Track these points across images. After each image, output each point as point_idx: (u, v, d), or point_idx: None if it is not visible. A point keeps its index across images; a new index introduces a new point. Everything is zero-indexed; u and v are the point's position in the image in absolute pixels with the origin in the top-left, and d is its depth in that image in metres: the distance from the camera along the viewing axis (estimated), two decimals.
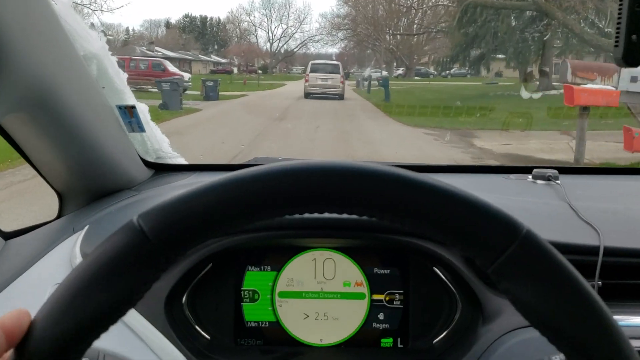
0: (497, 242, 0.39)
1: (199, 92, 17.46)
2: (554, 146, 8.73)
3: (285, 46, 77.56)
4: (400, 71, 49.71)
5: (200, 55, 62.93)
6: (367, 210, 0.40)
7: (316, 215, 0.41)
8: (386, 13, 44.68)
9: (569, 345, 0.39)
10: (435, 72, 46.97)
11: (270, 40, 75.14)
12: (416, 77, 45.28)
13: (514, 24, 22.33)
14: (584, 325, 0.38)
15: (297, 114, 14.31)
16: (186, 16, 79.77)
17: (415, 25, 36.81)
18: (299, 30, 77.55)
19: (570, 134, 8.68)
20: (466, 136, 10.15)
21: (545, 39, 20.60)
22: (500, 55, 26.69)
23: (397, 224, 0.41)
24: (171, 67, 19.65)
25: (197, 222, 0.39)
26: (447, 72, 43.52)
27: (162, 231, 0.39)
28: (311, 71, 19.75)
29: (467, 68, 31.82)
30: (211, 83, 17.17)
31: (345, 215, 0.41)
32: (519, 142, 9.35)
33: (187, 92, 17.05)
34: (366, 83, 22.67)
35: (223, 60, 65.45)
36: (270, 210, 0.40)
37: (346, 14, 53.42)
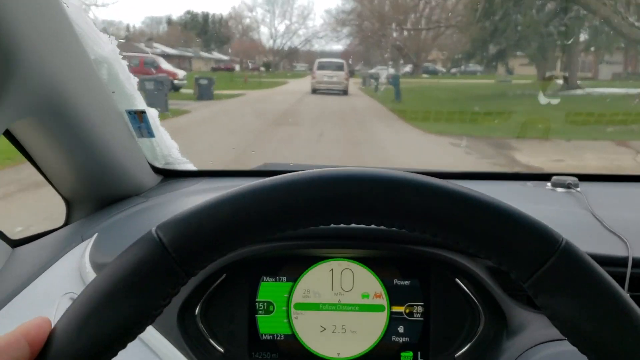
0: (535, 255, 0.37)
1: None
2: (620, 163, 6.94)
3: (289, 43, 79.08)
4: (407, 68, 45.86)
5: (201, 52, 62.55)
6: (401, 222, 0.39)
7: (333, 225, 0.39)
8: (393, 8, 41.65)
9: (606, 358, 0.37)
10: (444, 70, 44.42)
11: (273, 37, 76.68)
12: (424, 75, 42.66)
13: (536, 16, 19.84)
14: (629, 342, 0.36)
15: (297, 118, 12.09)
16: (188, 12, 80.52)
17: (423, 20, 33.85)
18: (302, 26, 74.02)
19: (629, 145, 7.47)
20: (502, 147, 8.11)
21: (569, 32, 18.48)
22: (519, 53, 24.98)
23: (429, 235, 0.39)
24: (165, 65, 17.97)
25: (218, 234, 0.38)
26: (456, 69, 42.08)
27: (182, 244, 0.37)
28: (318, 68, 20.36)
29: (483, 65, 29.42)
30: (205, 82, 15.66)
31: (365, 225, 0.39)
32: (571, 157, 7.46)
33: (182, 91, 16.43)
34: (373, 81, 21.62)
35: (225, 58, 65.16)
36: (297, 220, 0.39)
37: (351, 9, 52.23)
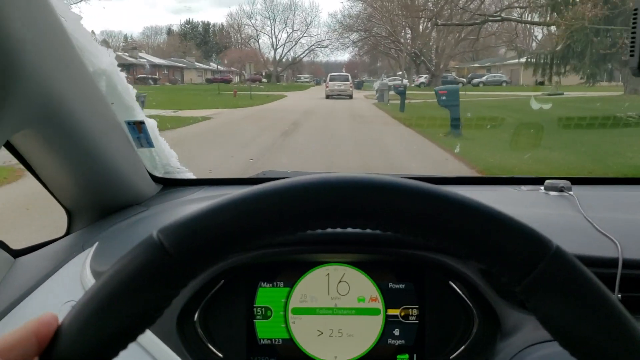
0: (526, 259, 0.38)
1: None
2: None
3: (291, 53, 73.09)
4: (422, 79, 43.14)
5: (196, 63, 59.42)
6: (392, 226, 0.40)
7: (330, 230, 0.40)
8: (407, 9, 37.32)
9: None
10: (464, 80, 41.00)
11: (274, 46, 68.72)
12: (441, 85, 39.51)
13: None
14: (618, 344, 0.37)
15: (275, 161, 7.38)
16: (188, 22, 77.81)
17: (454, 14, 25.99)
18: (305, 34, 71.46)
19: None
20: None
21: None
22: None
23: (421, 239, 0.40)
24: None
25: (218, 238, 0.39)
26: (479, 80, 38.14)
27: (182, 247, 0.38)
28: (330, 80, 29.80)
29: (581, 72, 19.94)
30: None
31: (360, 230, 0.40)
32: None
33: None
34: (385, 94, 19.93)
35: (223, 68, 61.46)
36: (297, 224, 0.40)
37: (359, 13, 48.07)
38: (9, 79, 0.69)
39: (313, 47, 68.60)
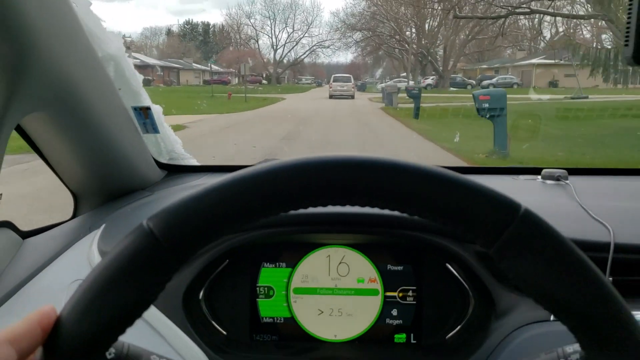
0: (496, 223, 0.40)
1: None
2: None
3: (292, 53, 69.83)
4: (430, 80, 40.01)
5: (193, 64, 55.76)
6: (370, 200, 0.41)
7: (329, 210, 0.42)
8: (413, 7, 34.97)
9: (573, 317, 0.40)
10: (473, 82, 38.17)
11: (274, 46, 65.52)
12: (451, 88, 35.60)
13: None
14: (586, 296, 0.39)
15: None
16: (187, 23, 74.49)
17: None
18: (306, 34, 68.14)
19: None
20: None
21: None
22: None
23: (399, 210, 0.42)
24: None
25: (204, 222, 0.40)
26: (489, 81, 34.57)
27: (171, 233, 0.40)
28: (333, 81, 31.63)
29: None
30: None
31: (357, 210, 0.42)
32: None
33: None
34: (394, 98, 18.39)
35: (220, 70, 58.45)
36: (278, 206, 0.41)
37: (362, 11, 46.16)
38: (21, 61, 0.71)
39: (314, 47, 65.89)
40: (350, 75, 34.12)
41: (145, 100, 1.14)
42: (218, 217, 0.40)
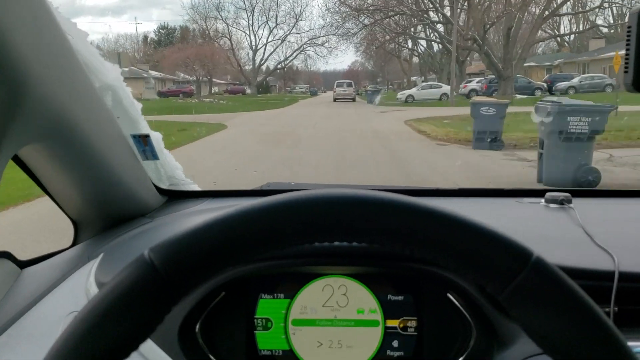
0: (507, 269, 0.39)
1: None
2: None
3: (279, 54, 57.70)
4: (475, 84, 29.39)
5: (151, 72, 44.65)
6: (377, 240, 0.41)
7: (318, 244, 0.41)
8: None
9: None
10: (543, 85, 28.52)
11: (253, 46, 49.45)
12: (517, 95, 23.66)
13: None
14: (598, 351, 0.38)
15: None
16: (162, 27, 61.65)
17: None
18: (293, 30, 50.57)
19: None
20: None
21: None
22: None
23: (406, 252, 0.41)
24: None
25: (207, 256, 0.40)
26: (567, 84, 26.29)
27: (173, 265, 0.40)
28: (337, 87, 34.99)
29: None
30: None
31: (356, 244, 0.42)
32: None
33: None
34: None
35: (190, 78, 48.13)
36: (282, 242, 0.41)
37: None
38: (15, 94, 0.71)
39: (304, 46, 50.25)
40: (352, 81, 38.09)
41: (144, 128, 1.14)
42: (221, 251, 0.40)
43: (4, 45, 0.65)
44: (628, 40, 0.75)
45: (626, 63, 0.77)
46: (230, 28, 50.41)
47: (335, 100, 32.60)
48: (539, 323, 0.39)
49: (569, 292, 0.39)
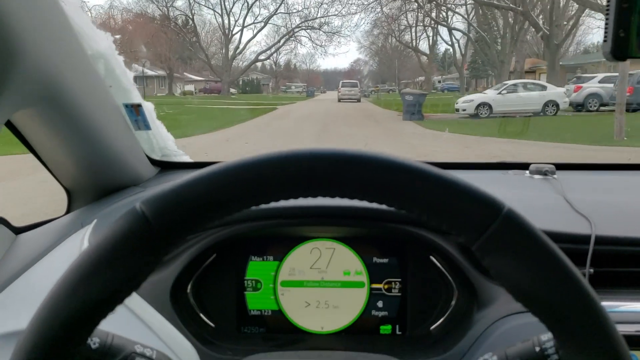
0: (480, 221, 0.41)
1: None
2: None
3: (263, 42, 43.94)
4: (595, 86, 16.48)
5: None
6: (358, 194, 0.43)
7: (316, 203, 0.43)
8: None
9: (549, 314, 0.41)
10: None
11: (225, 29, 35.43)
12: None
13: None
14: (563, 295, 0.40)
15: None
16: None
17: None
18: (280, 9, 37.02)
19: None
20: None
21: None
22: None
23: (385, 204, 0.43)
24: None
25: (195, 208, 0.42)
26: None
27: (163, 216, 0.41)
28: (342, 87, 32.90)
29: None
30: None
31: (343, 203, 0.43)
32: None
33: None
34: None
35: (153, 73, 35.31)
36: (268, 195, 0.43)
37: None
38: (8, 58, 0.72)
39: (298, 29, 37.54)
40: (357, 81, 36.29)
41: (137, 98, 1.16)
42: (209, 203, 0.42)
43: None
44: (607, 9, 0.77)
45: (605, 32, 0.79)
46: (192, 2, 36.30)
47: (339, 100, 31.06)
48: (510, 272, 0.41)
49: (538, 242, 0.41)
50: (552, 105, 15.95)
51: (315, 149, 0.43)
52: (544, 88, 16.83)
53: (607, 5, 0.77)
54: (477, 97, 17.55)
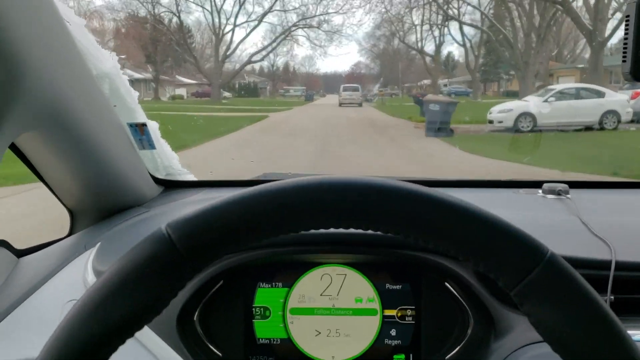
0: (521, 265, 0.39)
1: None
2: None
3: (259, 42, 42.99)
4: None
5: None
6: (394, 228, 0.41)
7: (328, 230, 0.42)
8: None
9: None
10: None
11: (215, 28, 30.91)
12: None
13: None
14: (606, 350, 0.39)
15: None
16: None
17: None
18: (275, 5, 31.74)
19: None
20: None
21: None
22: None
23: (421, 242, 0.41)
24: None
25: (222, 234, 0.41)
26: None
27: (189, 240, 0.40)
28: (343, 91, 30.88)
29: None
30: None
31: (359, 231, 0.42)
32: None
33: None
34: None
35: (140, 76, 28.38)
36: (298, 224, 0.41)
37: None
38: (13, 81, 0.71)
39: (295, 27, 32.82)
40: (358, 85, 33.80)
41: (141, 117, 1.14)
42: (236, 229, 0.41)
43: (2, 31, 0.65)
44: (627, 30, 0.75)
45: (624, 52, 0.77)
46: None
47: (340, 105, 28.91)
48: (549, 319, 0.39)
49: (581, 290, 0.39)
50: (612, 116, 12.38)
51: (346, 178, 0.42)
52: (601, 95, 12.93)
53: (626, 27, 0.76)
54: (518, 106, 13.57)
